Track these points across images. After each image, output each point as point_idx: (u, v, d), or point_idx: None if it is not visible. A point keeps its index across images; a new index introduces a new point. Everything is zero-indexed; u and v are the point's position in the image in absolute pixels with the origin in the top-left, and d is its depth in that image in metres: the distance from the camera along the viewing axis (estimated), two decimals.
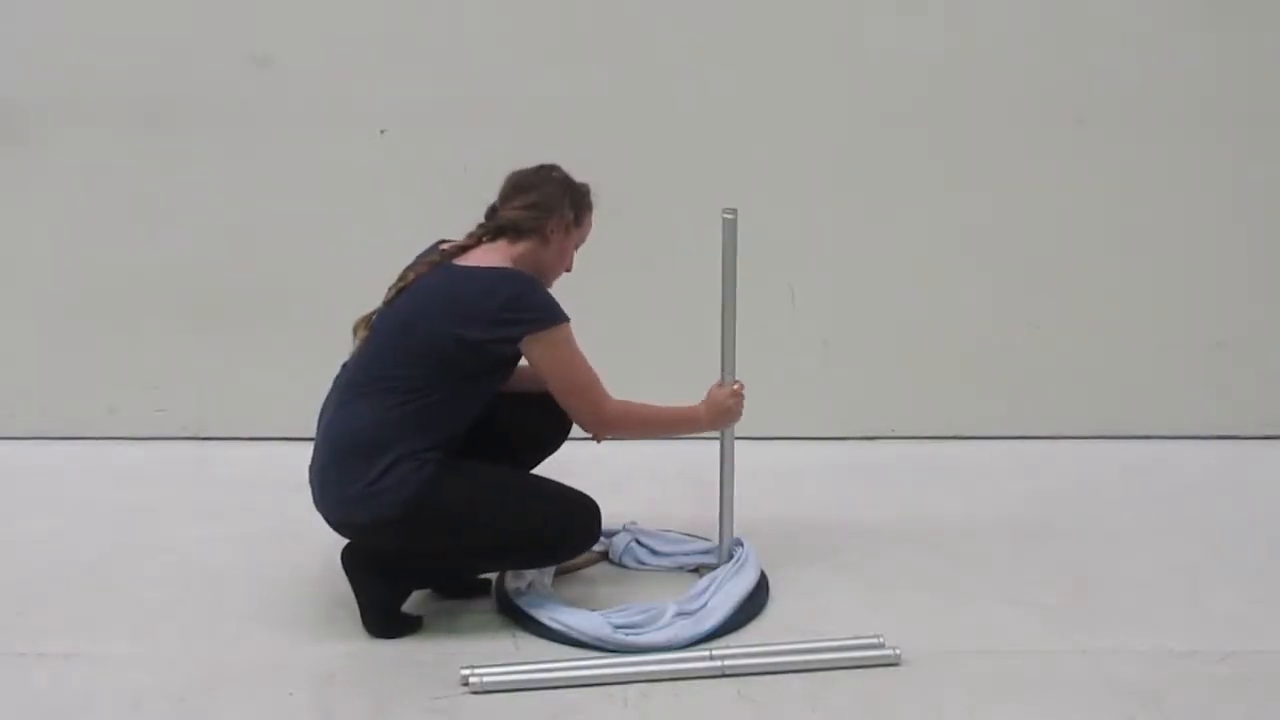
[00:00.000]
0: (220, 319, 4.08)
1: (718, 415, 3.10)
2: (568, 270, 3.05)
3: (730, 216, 3.00)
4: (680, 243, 3.71)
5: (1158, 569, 3.32)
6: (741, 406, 3.11)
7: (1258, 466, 4.03)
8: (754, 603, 3.07)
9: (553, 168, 3.03)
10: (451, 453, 2.86)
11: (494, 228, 2.96)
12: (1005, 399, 4.20)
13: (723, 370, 3.11)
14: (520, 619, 3.00)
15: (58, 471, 3.92)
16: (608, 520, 3.26)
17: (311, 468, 2.93)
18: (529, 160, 3.84)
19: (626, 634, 2.90)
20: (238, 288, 4.07)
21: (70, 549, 3.39)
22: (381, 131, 3.97)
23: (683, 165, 3.99)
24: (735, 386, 3.10)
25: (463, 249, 2.95)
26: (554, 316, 2.85)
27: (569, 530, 2.96)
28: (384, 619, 2.94)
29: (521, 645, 2.93)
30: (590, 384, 2.91)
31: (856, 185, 4.07)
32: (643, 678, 2.77)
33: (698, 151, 3.99)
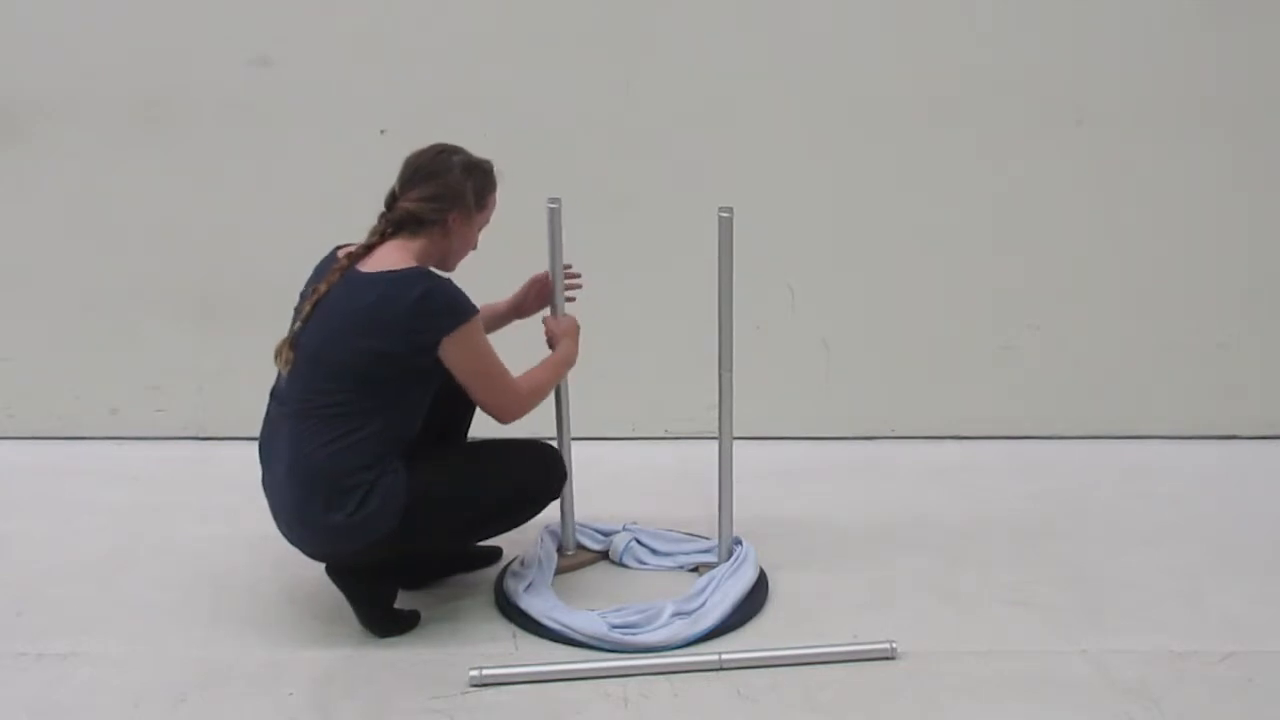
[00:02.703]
0: (220, 319, 4.09)
1: (575, 341, 3.11)
2: (473, 248, 3.01)
3: (726, 215, 3.00)
4: (680, 243, 3.71)
5: (1158, 569, 3.32)
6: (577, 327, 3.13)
7: (1258, 466, 4.03)
8: (752, 602, 3.08)
9: (454, 150, 2.94)
10: (409, 448, 2.87)
11: (395, 220, 2.89)
12: (1005, 399, 4.20)
13: (554, 310, 3.16)
14: (520, 619, 3.01)
15: (58, 471, 3.92)
16: (608, 520, 3.28)
17: (277, 501, 2.90)
18: (526, 160, 3.87)
19: (624, 633, 2.91)
20: (238, 288, 4.07)
21: (70, 549, 3.40)
22: (382, 131, 3.97)
23: (682, 165, 3.99)
24: (570, 317, 3.13)
25: (367, 249, 2.89)
26: (464, 312, 2.80)
27: (542, 478, 3.03)
28: (383, 617, 2.95)
29: (521, 645, 2.93)
30: (502, 372, 2.88)
31: (856, 185, 4.07)
32: (641, 671, 2.78)
33: (697, 151, 3.99)
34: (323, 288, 2.87)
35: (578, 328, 3.12)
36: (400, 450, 2.83)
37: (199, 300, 4.09)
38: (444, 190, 2.88)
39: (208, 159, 4.01)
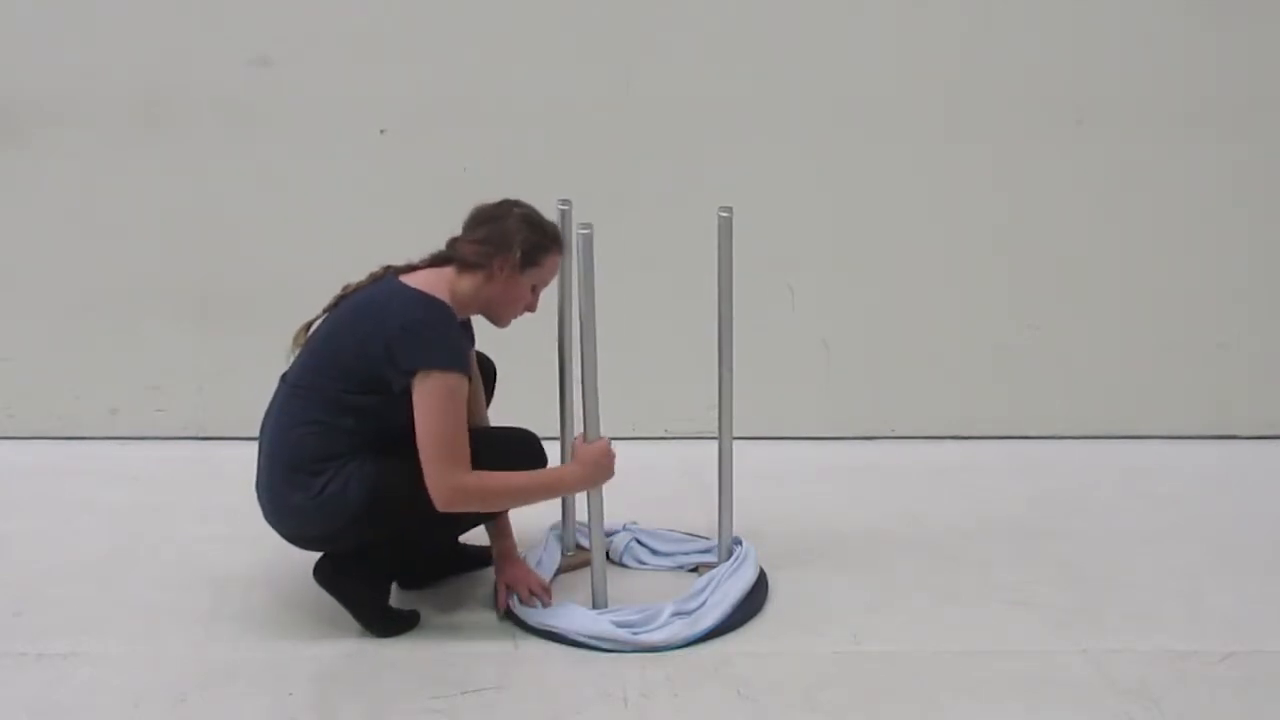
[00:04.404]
0: (220, 319, 4.09)
1: (591, 473, 2.93)
2: (530, 310, 2.98)
3: (726, 215, 3.00)
4: (680, 243, 3.71)
5: (1158, 569, 3.32)
6: (613, 463, 2.95)
7: (1258, 466, 4.03)
8: (752, 602, 3.08)
9: (515, 203, 2.95)
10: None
11: (444, 256, 2.94)
12: (1005, 399, 4.20)
13: (586, 426, 2.96)
14: (519, 619, 3.01)
15: (58, 471, 3.92)
16: (608, 519, 3.27)
17: (258, 484, 2.93)
18: (525, 159, 3.88)
19: (626, 632, 2.91)
20: (238, 288, 4.07)
21: (70, 549, 3.40)
22: (381, 131, 3.97)
23: (682, 165, 3.99)
24: (602, 443, 2.95)
25: (411, 268, 2.93)
26: (448, 362, 2.75)
27: (519, 465, 2.94)
28: (379, 617, 2.95)
29: (520, 645, 2.93)
30: (455, 447, 2.74)
31: (856, 185, 4.07)
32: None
33: (697, 151, 3.99)
34: (352, 285, 2.92)
35: (600, 460, 2.93)
36: (373, 447, 2.84)
37: (199, 300, 4.09)
38: (494, 235, 2.89)
39: (208, 159, 4.01)
